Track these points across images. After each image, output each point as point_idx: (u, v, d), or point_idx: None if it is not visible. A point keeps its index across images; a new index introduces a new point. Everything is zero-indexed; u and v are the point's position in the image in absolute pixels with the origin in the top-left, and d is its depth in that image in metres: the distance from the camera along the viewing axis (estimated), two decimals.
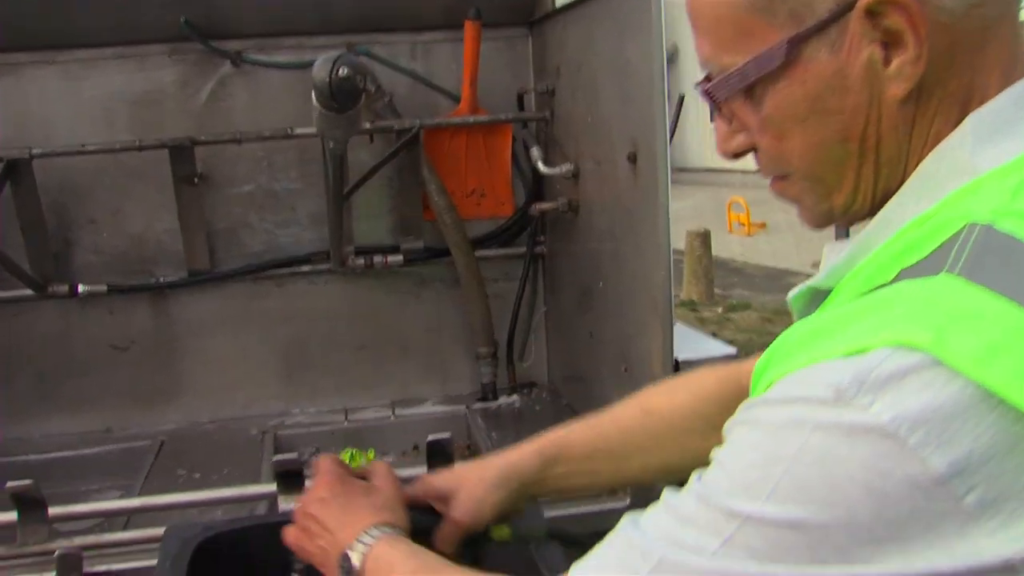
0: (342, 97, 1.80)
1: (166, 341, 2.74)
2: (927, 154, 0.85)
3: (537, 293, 2.89)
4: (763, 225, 13.36)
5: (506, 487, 1.33)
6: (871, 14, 0.81)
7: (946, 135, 0.84)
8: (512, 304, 2.84)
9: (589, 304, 2.48)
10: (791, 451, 0.73)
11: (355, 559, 1.14)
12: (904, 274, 0.78)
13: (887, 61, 0.83)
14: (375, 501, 1.25)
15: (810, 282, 0.95)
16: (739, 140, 0.94)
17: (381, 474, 1.34)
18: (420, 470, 1.95)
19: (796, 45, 0.83)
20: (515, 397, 2.84)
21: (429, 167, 2.66)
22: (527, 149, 2.72)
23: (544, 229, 2.83)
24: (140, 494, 2.27)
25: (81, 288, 2.61)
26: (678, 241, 9.30)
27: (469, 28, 2.57)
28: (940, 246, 0.77)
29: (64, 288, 2.61)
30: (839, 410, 0.71)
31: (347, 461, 2.54)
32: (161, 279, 2.69)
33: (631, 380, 2.15)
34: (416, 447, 2.72)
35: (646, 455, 1.35)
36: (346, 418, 2.75)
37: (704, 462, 1.43)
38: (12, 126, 2.54)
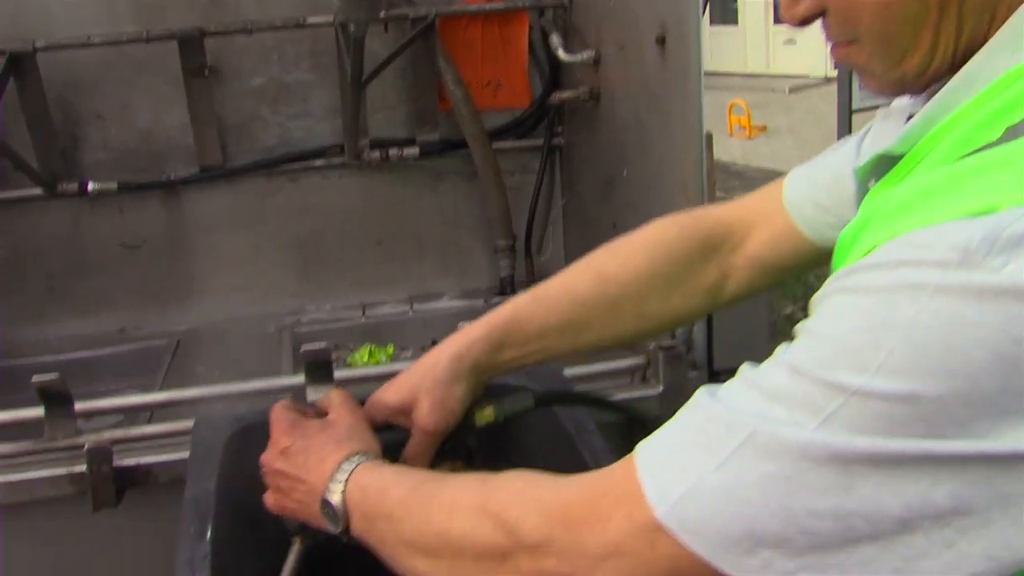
0: None
1: (178, 239, 2.69)
2: (1017, 4, 0.77)
3: (555, 185, 2.84)
4: (764, 128, 13.23)
5: (462, 380, 1.22)
6: None
7: None
8: (529, 197, 2.79)
9: (611, 194, 2.42)
10: (907, 317, 0.65)
11: (335, 500, 1.05)
12: (1014, 132, 0.70)
13: None
14: (336, 434, 1.15)
15: (880, 148, 0.87)
16: (806, 3, 0.85)
17: (336, 403, 1.23)
18: None
19: None
20: None
21: (445, 57, 2.58)
22: (545, 38, 2.64)
23: (562, 120, 2.76)
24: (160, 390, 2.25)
25: (91, 186, 2.55)
26: None
27: None
28: None
29: (73, 186, 2.55)
30: (966, 272, 0.64)
31: (366, 358, 2.52)
32: (172, 175, 2.63)
33: None
34: (435, 342, 2.68)
35: (602, 326, 1.26)
36: (363, 314, 2.72)
37: (666, 325, 1.35)
38: (8, 18, 2.45)
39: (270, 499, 1.21)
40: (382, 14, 2.45)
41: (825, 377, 0.68)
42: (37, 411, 1.79)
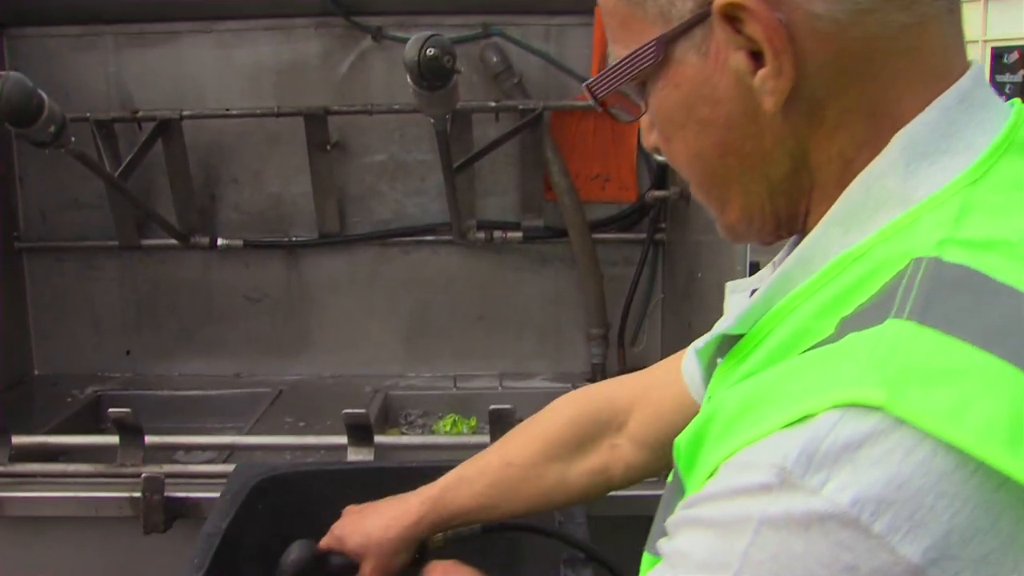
0: (431, 76, 1.88)
1: (296, 296, 2.91)
2: (833, 173, 0.77)
3: (656, 280, 2.92)
4: None
5: (404, 552, 1.45)
6: (730, 19, 0.72)
7: (854, 154, 0.76)
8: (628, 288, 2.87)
9: (690, 294, 2.50)
10: (740, 553, 0.62)
11: None
12: (847, 325, 0.68)
13: (755, 71, 0.74)
14: None
15: (719, 329, 0.84)
16: (652, 137, 0.87)
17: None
18: (484, 438, 2.04)
19: (665, 45, 0.77)
20: None
21: (553, 148, 2.72)
22: None
23: (666, 216, 2.85)
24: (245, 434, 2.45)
25: (220, 242, 2.80)
26: None
27: (599, 14, 2.60)
28: (882, 288, 0.68)
29: (205, 240, 2.80)
30: (787, 496, 0.60)
31: (449, 427, 2.65)
32: (294, 238, 2.86)
33: None
34: (520, 419, 2.79)
35: (511, 504, 1.41)
36: (455, 385, 2.85)
37: (570, 503, 1.45)
38: (169, 89, 2.75)
39: None
40: (492, 104, 2.62)
41: None
42: (113, 439, 2.01)
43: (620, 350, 2.89)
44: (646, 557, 0.90)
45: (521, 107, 2.64)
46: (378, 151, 2.83)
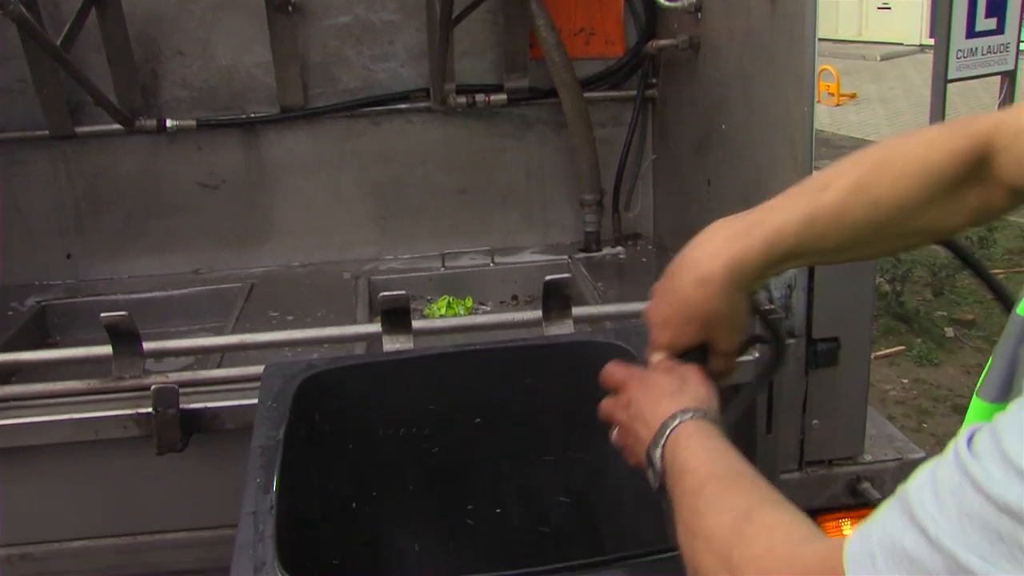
0: None
1: (256, 180, 2.62)
2: None
3: (646, 139, 2.71)
4: (853, 95, 12.90)
5: (743, 295, 1.18)
6: None
7: None
8: (619, 150, 2.66)
9: (708, 149, 2.30)
10: None
11: (656, 458, 1.05)
12: None
13: None
14: (669, 386, 1.14)
15: None
16: None
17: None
18: (530, 314, 1.83)
19: None
20: (619, 248, 2.69)
21: (538, 0, 2.47)
22: None
23: (656, 71, 2.63)
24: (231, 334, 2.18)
25: (169, 123, 2.49)
26: None
27: None
28: None
29: (152, 123, 2.49)
30: None
31: (444, 309, 2.44)
32: (252, 115, 2.56)
33: None
34: (515, 297, 2.60)
35: (867, 247, 1.20)
36: (443, 265, 2.63)
37: (926, 242, 1.24)
38: None
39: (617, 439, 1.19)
40: None
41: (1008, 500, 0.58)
42: (105, 349, 1.73)
43: (615, 216, 2.69)
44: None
45: None
46: (341, 12, 2.53)
